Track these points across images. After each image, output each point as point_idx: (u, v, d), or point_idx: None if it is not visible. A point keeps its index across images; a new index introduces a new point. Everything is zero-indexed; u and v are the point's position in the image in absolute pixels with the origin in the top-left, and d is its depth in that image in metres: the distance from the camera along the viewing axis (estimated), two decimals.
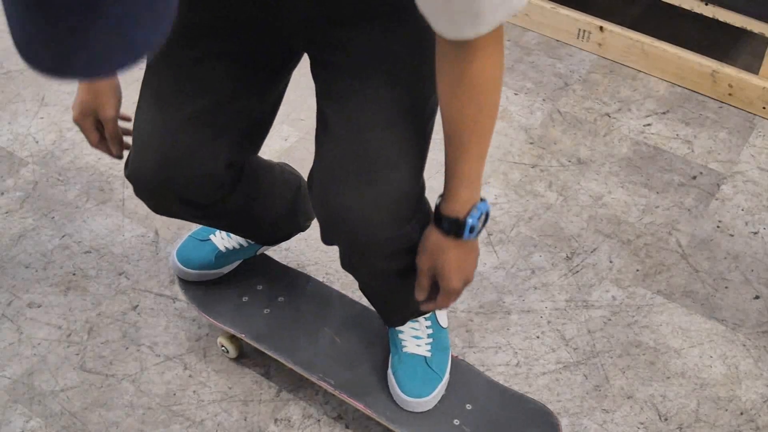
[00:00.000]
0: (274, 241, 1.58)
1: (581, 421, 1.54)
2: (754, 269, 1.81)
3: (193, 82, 1.20)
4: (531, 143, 2.09)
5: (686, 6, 2.19)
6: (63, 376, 1.59)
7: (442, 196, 1.15)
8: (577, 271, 1.80)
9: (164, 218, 1.88)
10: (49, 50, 0.66)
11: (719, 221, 1.91)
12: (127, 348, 1.64)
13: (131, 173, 1.26)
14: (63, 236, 1.85)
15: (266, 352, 1.51)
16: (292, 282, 1.62)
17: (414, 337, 1.47)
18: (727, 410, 1.57)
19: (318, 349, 1.51)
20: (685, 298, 1.75)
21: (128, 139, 1.57)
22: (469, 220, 1.13)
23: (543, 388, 1.59)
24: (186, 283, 1.60)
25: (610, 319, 1.71)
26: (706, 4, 2.16)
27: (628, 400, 1.58)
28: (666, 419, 1.55)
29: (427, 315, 1.47)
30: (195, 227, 1.67)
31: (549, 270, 1.80)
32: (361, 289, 1.40)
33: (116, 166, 2.00)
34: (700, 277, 1.79)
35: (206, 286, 1.59)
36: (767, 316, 1.72)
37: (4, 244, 1.83)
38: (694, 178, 2.01)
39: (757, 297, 1.76)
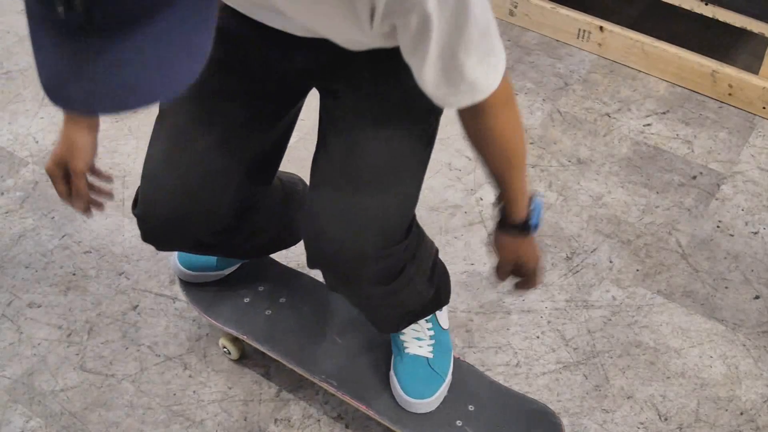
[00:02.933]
0: (274, 249, 1.58)
1: (581, 421, 1.54)
2: (754, 269, 1.81)
3: (206, 116, 1.22)
4: (531, 143, 2.09)
5: (686, 6, 2.19)
6: (63, 376, 1.59)
7: (500, 205, 1.21)
8: (577, 271, 1.80)
9: None
10: (84, 87, 0.66)
11: (719, 221, 1.91)
12: (127, 348, 1.64)
13: (142, 209, 1.26)
14: (63, 236, 1.85)
15: (268, 353, 1.51)
16: (294, 283, 1.62)
17: (415, 339, 1.47)
18: (727, 410, 1.57)
19: (320, 349, 1.51)
20: (685, 298, 1.75)
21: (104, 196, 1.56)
22: (532, 222, 1.22)
23: (543, 388, 1.59)
24: (187, 285, 1.59)
25: (610, 319, 1.71)
26: (706, 4, 2.15)
27: (628, 400, 1.58)
28: (666, 419, 1.55)
29: (427, 317, 1.47)
30: None
31: (549, 270, 1.80)
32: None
33: (116, 167, 2.00)
34: (700, 277, 1.79)
35: (207, 287, 1.59)
36: (767, 316, 1.72)
37: (4, 244, 1.83)
38: (694, 178, 2.01)
39: (757, 297, 1.76)
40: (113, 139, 2.07)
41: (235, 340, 1.59)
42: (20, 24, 2.43)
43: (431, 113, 1.21)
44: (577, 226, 1.89)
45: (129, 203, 1.92)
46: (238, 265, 1.61)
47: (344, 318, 1.56)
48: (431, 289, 1.39)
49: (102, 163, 2.01)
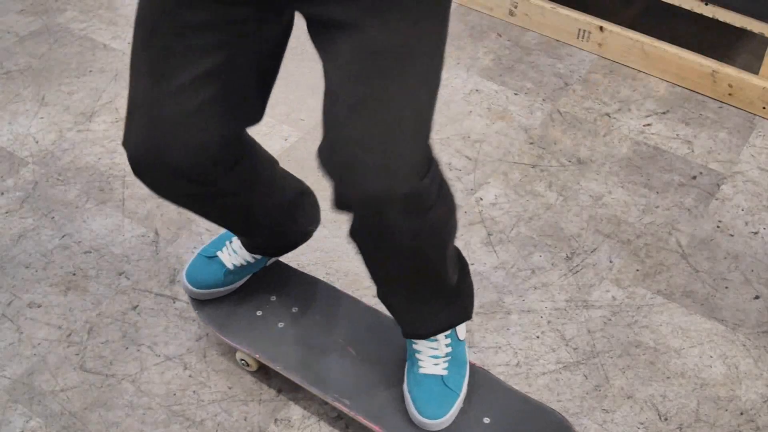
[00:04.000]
0: (277, 248, 1.57)
1: (581, 421, 1.54)
2: (754, 269, 1.81)
3: (185, 50, 1.16)
4: (531, 143, 2.09)
5: (686, 6, 2.19)
6: (63, 376, 1.59)
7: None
8: (577, 271, 1.80)
9: (164, 218, 1.88)
10: None
11: (719, 221, 1.91)
12: (127, 348, 1.64)
13: (125, 142, 1.22)
14: (63, 236, 1.85)
15: (281, 372, 1.50)
16: (306, 290, 1.62)
17: (432, 357, 1.44)
18: (727, 410, 1.57)
19: (332, 364, 1.50)
20: (685, 298, 1.75)
21: None
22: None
23: (543, 388, 1.59)
24: (199, 303, 1.60)
25: (610, 319, 1.71)
26: (706, 4, 2.16)
27: (628, 400, 1.58)
28: (666, 419, 1.55)
29: (447, 333, 1.44)
30: (203, 243, 1.66)
31: (549, 270, 1.80)
32: (380, 292, 1.37)
33: (116, 166, 2.00)
34: (700, 277, 1.80)
35: (220, 301, 1.59)
36: (767, 316, 1.72)
37: (4, 244, 1.83)
38: (694, 178, 2.01)
39: (757, 297, 1.76)
40: (113, 139, 2.07)
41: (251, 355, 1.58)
42: (20, 24, 2.43)
43: (440, 21, 1.12)
44: (577, 226, 1.89)
45: (129, 203, 1.92)
46: (246, 278, 1.61)
47: (356, 326, 1.55)
48: (455, 273, 1.35)
49: (102, 163, 2.01)
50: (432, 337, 1.44)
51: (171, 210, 1.91)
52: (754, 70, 2.18)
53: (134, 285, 1.75)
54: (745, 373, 1.63)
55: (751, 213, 1.93)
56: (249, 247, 1.56)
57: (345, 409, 1.45)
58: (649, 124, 2.16)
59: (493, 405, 1.46)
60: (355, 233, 1.21)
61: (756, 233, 1.89)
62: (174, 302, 1.72)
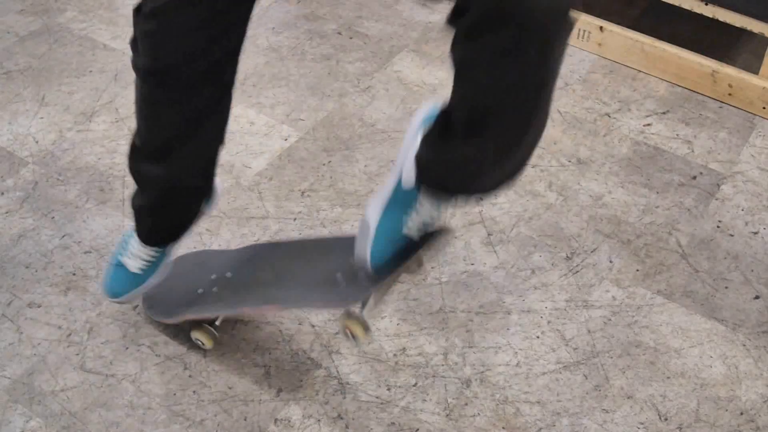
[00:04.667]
0: (175, 223, 1.57)
1: (581, 421, 1.54)
2: (754, 269, 1.81)
3: None
4: None
5: (686, 6, 2.19)
6: (63, 376, 1.59)
7: None
8: (577, 271, 1.80)
9: None
10: None
11: (719, 221, 1.91)
12: (127, 348, 1.64)
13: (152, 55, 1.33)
14: (63, 236, 1.85)
15: (238, 311, 1.58)
16: (240, 257, 1.66)
17: (420, 225, 1.35)
18: (727, 410, 1.57)
19: (262, 287, 1.56)
20: (685, 298, 1.75)
21: None
22: None
23: (543, 388, 1.59)
24: (145, 302, 1.67)
25: (610, 319, 1.71)
26: (706, 4, 2.16)
27: (628, 400, 1.58)
28: (666, 419, 1.55)
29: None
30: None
31: (549, 270, 1.80)
32: (443, 135, 1.26)
33: (116, 166, 2.00)
34: (700, 277, 1.79)
35: (159, 297, 1.65)
36: (767, 316, 1.72)
37: (4, 244, 1.83)
38: (694, 178, 2.01)
39: (757, 297, 1.76)
40: (113, 139, 2.07)
41: (202, 329, 1.61)
42: (20, 24, 2.43)
43: None
44: (577, 226, 1.89)
45: (129, 203, 1.92)
46: (160, 269, 1.62)
47: (293, 272, 1.58)
48: (530, 152, 1.33)
49: (102, 163, 2.01)
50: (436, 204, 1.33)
51: None
52: (754, 70, 2.18)
53: None
54: (745, 373, 1.63)
55: (751, 213, 1.93)
56: (145, 236, 1.57)
57: (277, 309, 1.55)
58: (649, 124, 2.16)
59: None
60: (484, 51, 1.11)
61: (756, 233, 1.89)
62: None
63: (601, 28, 2.32)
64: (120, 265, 1.61)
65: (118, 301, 1.63)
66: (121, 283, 1.61)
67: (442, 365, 1.62)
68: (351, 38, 2.42)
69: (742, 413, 1.56)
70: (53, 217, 1.89)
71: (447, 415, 1.55)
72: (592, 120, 2.16)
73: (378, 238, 1.35)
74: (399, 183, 1.34)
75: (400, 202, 1.35)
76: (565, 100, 2.22)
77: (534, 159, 2.05)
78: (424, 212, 1.34)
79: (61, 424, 1.52)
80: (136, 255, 1.59)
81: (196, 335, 1.61)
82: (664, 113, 2.19)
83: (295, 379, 1.59)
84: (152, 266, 1.60)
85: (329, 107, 2.18)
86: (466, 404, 1.56)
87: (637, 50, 2.28)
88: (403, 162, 1.34)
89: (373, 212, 1.35)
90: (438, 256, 1.82)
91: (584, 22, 2.34)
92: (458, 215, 1.90)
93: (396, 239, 1.35)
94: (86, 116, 2.14)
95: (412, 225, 1.35)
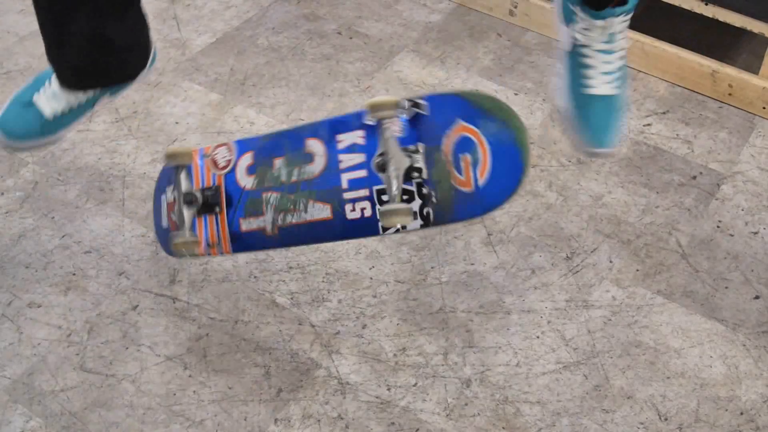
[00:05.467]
0: (96, 66, 1.35)
1: (581, 421, 1.54)
2: (754, 269, 1.81)
3: None
4: (531, 143, 2.09)
5: (686, 6, 2.19)
6: (63, 376, 1.59)
7: None
8: (577, 271, 1.80)
9: None
10: None
11: (719, 221, 1.91)
12: (127, 348, 1.64)
13: None
14: (63, 236, 1.85)
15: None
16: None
17: (603, 74, 1.28)
18: (727, 410, 1.57)
19: None
20: (685, 298, 1.75)
21: None
22: None
23: (543, 388, 1.59)
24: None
25: (610, 319, 1.71)
26: (706, 4, 2.16)
27: (628, 400, 1.58)
28: (666, 419, 1.55)
29: (622, 31, 1.24)
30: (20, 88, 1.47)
31: (549, 270, 1.80)
32: None
33: (116, 166, 2.00)
34: (700, 277, 1.80)
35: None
36: (767, 316, 1.73)
37: (4, 244, 1.83)
38: (694, 178, 2.01)
39: (757, 297, 1.76)
40: (113, 139, 2.07)
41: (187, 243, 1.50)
42: (20, 24, 2.43)
43: None
44: (577, 226, 1.89)
45: (129, 203, 1.92)
46: (71, 128, 1.42)
47: None
48: None
49: (102, 163, 2.01)
50: (608, 40, 1.24)
51: None
52: (754, 70, 2.18)
53: (134, 285, 1.75)
54: (745, 373, 1.63)
55: (751, 213, 1.93)
56: (68, 80, 1.35)
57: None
58: (649, 124, 2.16)
59: None
60: None
61: (756, 233, 1.89)
62: (174, 302, 1.72)
63: None
64: (30, 105, 1.37)
65: (11, 144, 1.38)
66: (27, 124, 1.37)
67: (442, 365, 1.62)
68: (351, 38, 2.42)
69: (742, 413, 1.56)
70: (53, 217, 1.89)
71: (447, 415, 1.55)
72: None
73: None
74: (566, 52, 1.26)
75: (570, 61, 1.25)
76: None
77: (534, 159, 2.05)
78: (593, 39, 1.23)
79: (61, 424, 1.52)
80: (54, 91, 1.36)
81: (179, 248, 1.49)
82: (664, 113, 2.19)
83: (295, 379, 1.59)
84: (70, 116, 1.40)
85: (329, 107, 2.18)
86: (466, 404, 1.57)
87: (637, 50, 2.28)
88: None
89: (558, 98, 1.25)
90: (438, 256, 1.82)
91: None
92: None
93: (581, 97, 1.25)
94: (86, 116, 2.14)
95: (593, 73, 1.25)
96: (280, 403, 1.56)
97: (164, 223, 1.55)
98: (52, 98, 1.36)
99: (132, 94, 2.20)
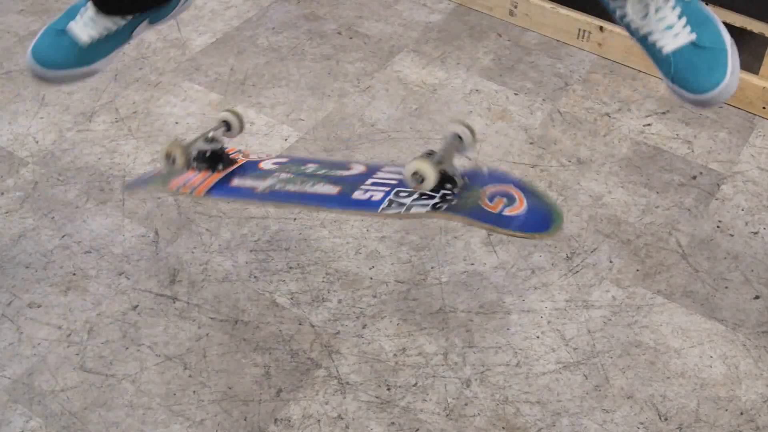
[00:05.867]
0: None
1: (581, 421, 1.54)
2: (754, 269, 1.81)
3: None
4: (531, 143, 2.09)
5: None
6: (63, 376, 1.59)
7: None
8: (577, 271, 1.80)
9: (164, 218, 1.88)
10: None
11: (719, 221, 1.91)
12: (127, 348, 1.64)
13: None
14: (63, 236, 1.85)
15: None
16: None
17: (666, 29, 1.22)
18: (727, 410, 1.57)
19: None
20: (685, 298, 1.75)
21: None
22: None
23: (543, 388, 1.59)
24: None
25: (610, 319, 1.71)
26: (706, 5, 2.15)
27: (628, 400, 1.58)
28: (666, 419, 1.55)
29: None
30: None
31: (549, 270, 1.80)
32: None
33: (116, 166, 2.00)
34: (700, 277, 1.79)
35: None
36: (767, 316, 1.73)
37: (4, 244, 1.83)
38: (694, 178, 2.01)
39: (757, 297, 1.76)
40: (113, 139, 2.07)
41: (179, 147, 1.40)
42: (20, 24, 2.43)
43: None
44: (577, 226, 1.89)
45: (129, 203, 1.92)
46: (108, 59, 1.35)
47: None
48: None
49: (102, 163, 2.01)
50: (651, 2, 1.21)
51: (171, 210, 1.91)
52: (754, 70, 2.18)
53: (134, 285, 1.75)
54: (745, 373, 1.63)
55: (751, 213, 1.93)
56: (102, 2, 1.30)
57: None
58: (649, 124, 2.16)
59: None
60: None
61: (756, 233, 1.89)
62: (174, 302, 1.72)
63: (601, 28, 2.32)
64: (64, 32, 1.32)
65: (45, 74, 1.31)
66: (62, 52, 1.31)
67: (442, 365, 1.62)
68: (351, 38, 2.42)
69: (742, 413, 1.56)
70: (53, 217, 1.89)
71: (447, 415, 1.55)
72: (592, 120, 2.16)
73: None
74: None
75: None
76: (565, 100, 2.22)
77: (534, 159, 2.05)
78: None
79: (61, 424, 1.52)
80: (91, 17, 1.30)
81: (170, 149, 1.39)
82: (664, 113, 2.19)
83: (295, 379, 1.59)
84: (106, 43, 1.32)
85: (329, 107, 2.18)
86: (466, 404, 1.57)
87: (637, 50, 2.28)
88: None
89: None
90: (438, 256, 1.82)
91: (584, 22, 2.34)
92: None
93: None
94: (86, 116, 2.14)
95: (657, 36, 1.22)
96: (280, 403, 1.56)
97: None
98: (88, 23, 1.30)
99: (132, 94, 2.20)
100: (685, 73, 1.20)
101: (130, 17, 1.30)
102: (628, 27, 1.25)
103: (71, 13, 1.32)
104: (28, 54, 1.31)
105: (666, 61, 1.22)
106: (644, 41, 1.25)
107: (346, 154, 2.04)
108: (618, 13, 1.25)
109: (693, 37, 1.21)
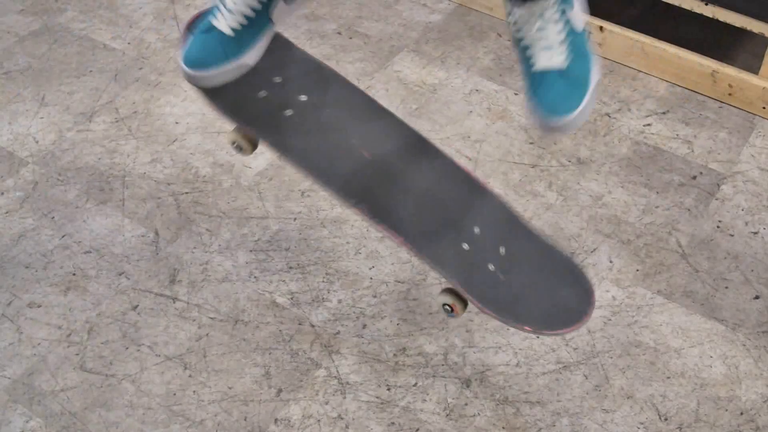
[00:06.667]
0: None
1: (581, 421, 1.54)
2: (754, 269, 1.81)
3: None
4: (531, 143, 2.09)
5: (686, 6, 2.19)
6: (63, 376, 1.59)
7: None
8: None
9: (164, 218, 1.88)
10: None
11: (719, 221, 1.91)
12: (127, 348, 1.65)
13: None
14: (63, 236, 1.85)
15: (283, 158, 1.35)
16: (315, 76, 1.43)
17: (544, 49, 1.26)
18: (727, 410, 1.57)
19: (343, 164, 1.34)
20: (685, 298, 1.75)
21: None
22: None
23: (543, 388, 1.59)
24: (199, 81, 1.36)
25: (610, 319, 1.71)
26: (706, 4, 2.16)
27: (628, 400, 1.58)
28: (666, 419, 1.55)
29: (555, 16, 1.25)
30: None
31: None
32: None
33: (116, 166, 2.00)
34: (700, 277, 1.80)
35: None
36: (767, 316, 1.73)
37: (4, 244, 1.83)
38: (694, 178, 2.01)
39: (757, 297, 1.76)
40: (113, 139, 2.07)
41: (246, 135, 1.41)
42: (20, 24, 2.43)
43: None
44: (577, 226, 1.89)
45: (129, 203, 1.92)
46: (254, 51, 1.36)
47: (374, 129, 1.39)
48: None
49: (102, 163, 2.01)
50: (538, 19, 1.25)
51: (171, 210, 1.91)
52: (754, 70, 2.18)
53: (134, 285, 1.75)
54: (745, 373, 1.63)
55: (751, 213, 1.93)
56: None
57: (360, 214, 1.33)
58: (649, 124, 2.16)
59: (508, 234, 1.31)
60: None
61: (756, 233, 1.89)
62: (174, 302, 1.72)
63: (601, 28, 2.32)
64: (208, 30, 1.34)
65: (200, 75, 1.34)
66: (211, 49, 1.33)
67: (442, 365, 1.62)
68: (351, 38, 2.42)
69: (742, 413, 1.56)
70: (53, 217, 1.89)
71: (447, 415, 1.55)
72: (592, 120, 2.16)
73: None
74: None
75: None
76: None
77: (534, 159, 2.05)
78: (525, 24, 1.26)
79: (61, 424, 1.52)
80: (228, 7, 1.33)
81: (236, 138, 1.40)
82: (664, 113, 2.19)
83: (295, 379, 1.59)
84: (250, 29, 1.35)
85: None
86: (466, 404, 1.57)
87: (637, 50, 2.28)
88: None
89: None
90: None
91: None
92: None
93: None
94: (86, 116, 2.14)
95: (533, 51, 1.27)
96: (280, 403, 1.56)
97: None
98: (226, 15, 1.32)
99: (132, 94, 2.20)
100: (545, 93, 1.25)
101: None
102: (512, 32, 1.29)
103: (212, 11, 1.34)
104: (180, 63, 1.34)
105: (533, 76, 1.27)
106: (522, 50, 1.28)
107: None
108: (509, 16, 1.29)
109: (565, 64, 1.26)
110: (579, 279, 1.35)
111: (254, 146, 1.41)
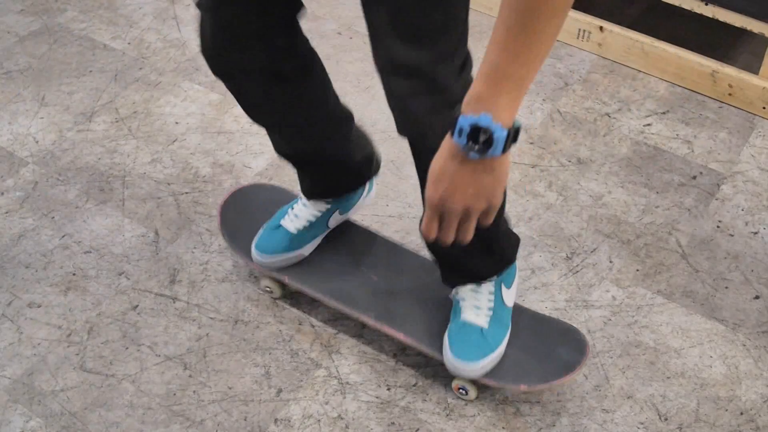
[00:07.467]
0: (333, 184, 1.64)
1: (581, 421, 1.54)
2: (754, 269, 1.81)
3: None
4: (531, 143, 2.09)
5: (686, 6, 2.19)
6: (63, 376, 1.59)
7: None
8: (577, 271, 1.80)
9: (164, 218, 1.88)
10: None
11: (719, 221, 1.91)
12: (127, 348, 1.65)
13: (200, 43, 1.43)
14: (63, 236, 1.85)
15: (309, 293, 1.64)
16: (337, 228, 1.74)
17: (474, 307, 1.52)
18: (727, 410, 1.57)
19: (356, 286, 1.64)
20: (685, 298, 1.75)
21: None
22: (461, 120, 0.92)
23: None
24: (230, 234, 1.73)
25: (610, 319, 1.71)
26: (706, 4, 2.16)
27: (628, 400, 1.58)
28: (666, 419, 1.55)
29: (491, 289, 1.53)
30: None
31: (549, 270, 1.80)
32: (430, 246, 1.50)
33: (116, 166, 2.00)
34: (700, 277, 1.80)
35: (248, 234, 1.72)
36: (767, 316, 1.73)
37: (4, 244, 1.83)
38: (694, 178, 2.01)
39: (757, 297, 1.76)
40: (113, 139, 2.07)
41: (277, 280, 1.70)
42: (20, 24, 2.43)
43: None
44: (577, 226, 1.89)
45: (129, 203, 1.92)
46: (314, 243, 1.69)
47: (382, 258, 1.69)
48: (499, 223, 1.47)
49: (102, 163, 2.01)
50: (475, 285, 1.53)
51: (171, 210, 1.91)
52: (754, 70, 2.18)
53: (134, 285, 1.75)
54: (745, 373, 1.63)
55: (751, 213, 1.93)
56: (308, 192, 1.65)
57: (371, 322, 1.58)
58: (649, 124, 2.16)
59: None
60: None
61: (756, 233, 1.89)
62: (174, 302, 1.72)
63: (601, 28, 2.32)
64: (278, 227, 1.67)
65: (267, 259, 1.66)
66: (278, 242, 1.65)
67: (442, 365, 1.62)
68: (351, 38, 2.42)
69: (742, 413, 1.56)
70: (53, 217, 1.89)
71: (447, 415, 1.55)
72: (592, 120, 2.16)
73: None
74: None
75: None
76: (565, 100, 2.22)
77: (534, 159, 2.05)
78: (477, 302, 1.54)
79: (61, 424, 1.52)
80: (296, 214, 1.67)
81: (268, 283, 1.71)
82: (664, 113, 2.19)
83: (295, 379, 1.59)
84: (309, 231, 1.67)
85: None
86: (466, 404, 1.57)
87: (637, 50, 2.28)
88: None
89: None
90: None
91: (584, 22, 2.34)
92: None
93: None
94: (86, 116, 2.14)
95: (464, 305, 1.55)
96: (280, 403, 1.56)
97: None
98: (293, 219, 1.67)
99: (132, 94, 2.20)
100: (460, 338, 1.50)
101: (326, 206, 1.66)
102: (450, 288, 1.58)
103: (281, 214, 1.69)
104: (252, 249, 1.67)
105: (459, 323, 1.52)
106: (455, 300, 1.55)
107: None
108: (453, 282, 1.57)
109: (485, 326, 1.51)
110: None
111: (282, 289, 1.73)
